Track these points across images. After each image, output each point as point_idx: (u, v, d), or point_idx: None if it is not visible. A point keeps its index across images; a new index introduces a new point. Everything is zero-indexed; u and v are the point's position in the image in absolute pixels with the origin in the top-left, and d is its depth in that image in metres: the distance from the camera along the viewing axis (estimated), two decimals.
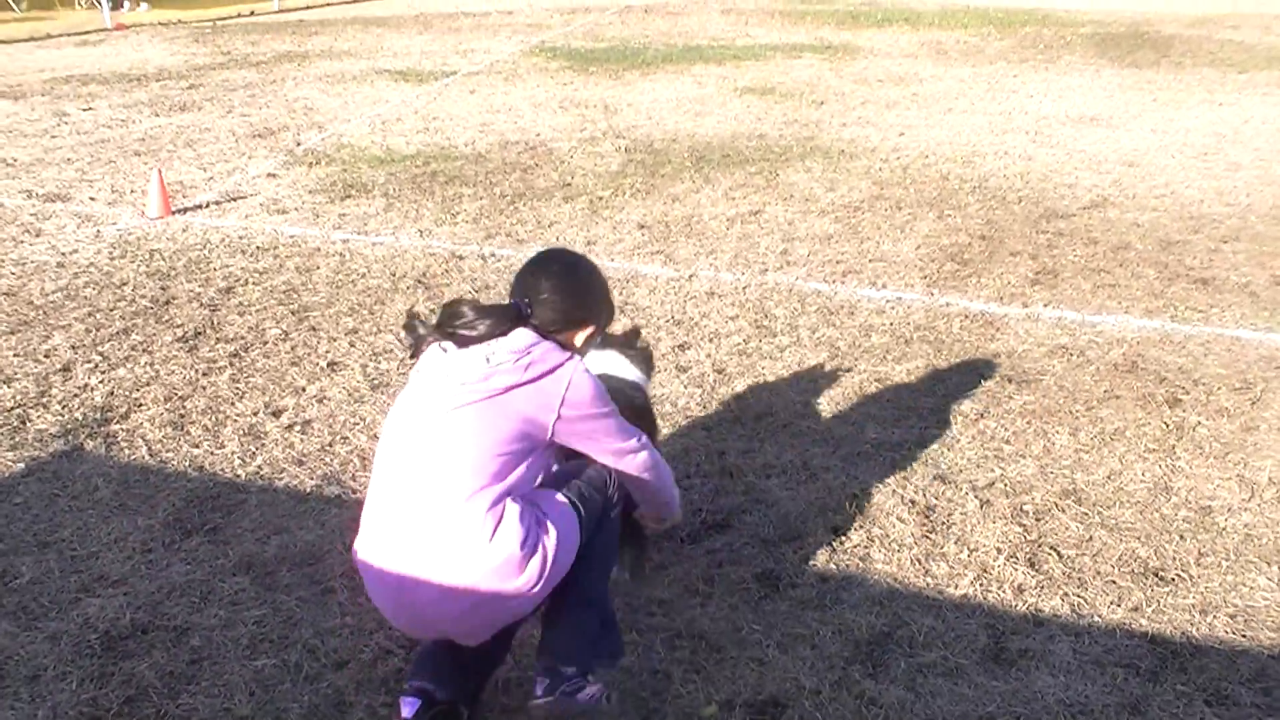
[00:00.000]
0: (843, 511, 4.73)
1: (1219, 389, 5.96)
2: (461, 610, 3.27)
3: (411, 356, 3.53)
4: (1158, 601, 4.17)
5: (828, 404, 5.73)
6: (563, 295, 3.49)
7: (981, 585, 4.26)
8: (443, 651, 3.49)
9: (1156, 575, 4.34)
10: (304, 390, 5.80)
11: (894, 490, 4.91)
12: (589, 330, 3.58)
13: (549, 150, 10.92)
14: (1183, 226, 8.70)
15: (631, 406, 3.98)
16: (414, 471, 3.31)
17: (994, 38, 19.71)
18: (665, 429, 5.37)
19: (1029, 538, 4.57)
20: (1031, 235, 8.46)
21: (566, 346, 3.49)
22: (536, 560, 3.27)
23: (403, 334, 3.54)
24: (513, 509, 3.26)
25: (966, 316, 6.93)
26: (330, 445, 5.24)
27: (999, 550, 4.47)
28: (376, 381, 5.89)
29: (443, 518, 3.24)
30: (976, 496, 4.87)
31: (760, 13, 22.99)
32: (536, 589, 3.30)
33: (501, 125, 11.99)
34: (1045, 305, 7.10)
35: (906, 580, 4.29)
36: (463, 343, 3.37)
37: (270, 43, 18.12)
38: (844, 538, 4.54)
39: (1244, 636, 3.99)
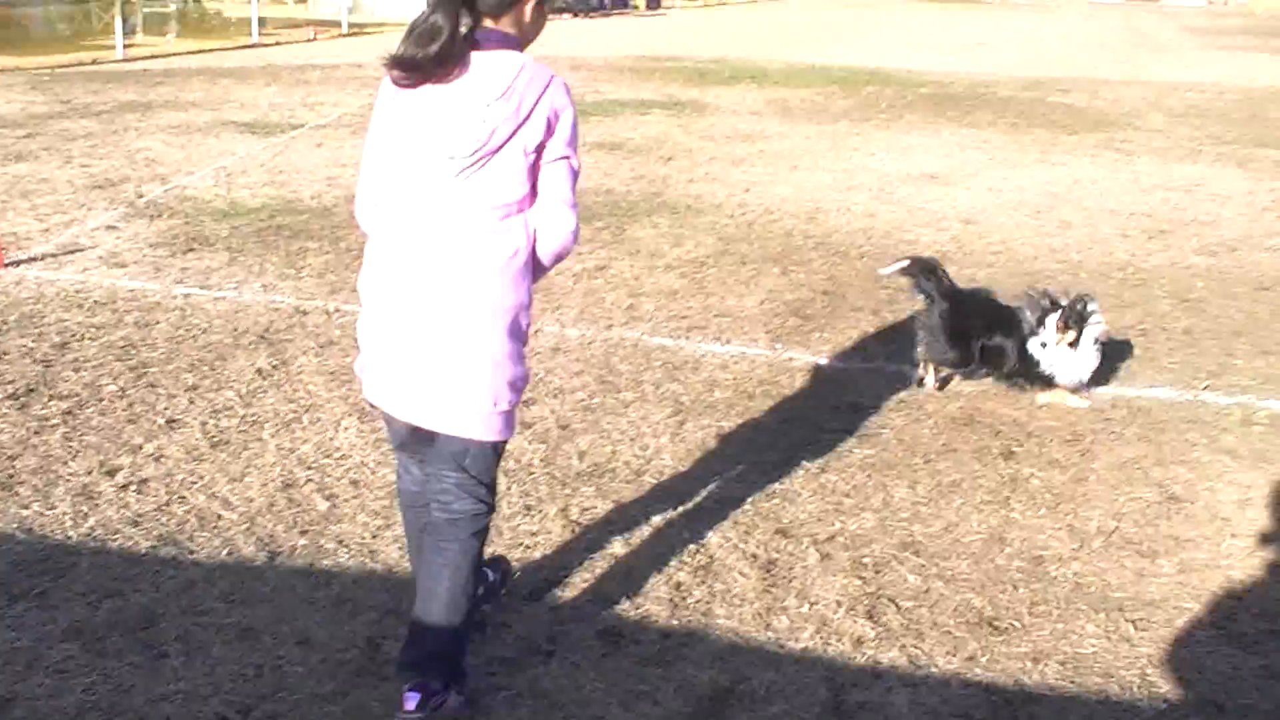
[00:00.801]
0: (685, 567, 4.75)
1: (1051, 441, 6.13)
2: (468, 333, 3.54)
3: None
4: (992, 651, 4.26)
5: (671, 459, 5.76)
6: None
7: (822, 638, 4.31)
8: (420, 638, 3.74)
9: (991, 625, 4.43)
10: (141, 448, 5.67)
11: (736, 545, 4.95)
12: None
13: None
14: (1018, 282, 8.92)
15: None
16: (424, 233, 3.52)
17: (838, 97, 20.11)
18: (508, 485, 5.36)
19: (868, 590, 4.64)
20: (873, 290, 8.63)
21: (518, 23, 3.54)
22: (522, 358, 3.71)
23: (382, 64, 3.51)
24: (524, 262, 3.59)
25: (809, 371, 7.04)
26: (167, 505, 5.13)
27: (839, 603, 4.53)
28: (216, 439, 5.78)
29: (470, 268, 3.51)
30: (817, 550, 4.93)
31: (610, 69, 23.20)
32: (513, 366, 3.65)
33: (348, 179, 11.90)
34: (886, 360, 7.24)
35: (748, 635, 4.32)
36: (441, 79, 3.42)
37: (113, 92, 17.78)
38: (686, 593, 4.57)
39: (1073, 683, 4.09)
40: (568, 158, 3.55)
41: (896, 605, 4.55)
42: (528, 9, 3.55)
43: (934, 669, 4.15)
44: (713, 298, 8.35)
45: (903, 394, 6.69)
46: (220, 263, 8.79)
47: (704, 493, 5.42)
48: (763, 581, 4.67)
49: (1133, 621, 4.48)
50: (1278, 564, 4.95)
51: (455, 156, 3.44)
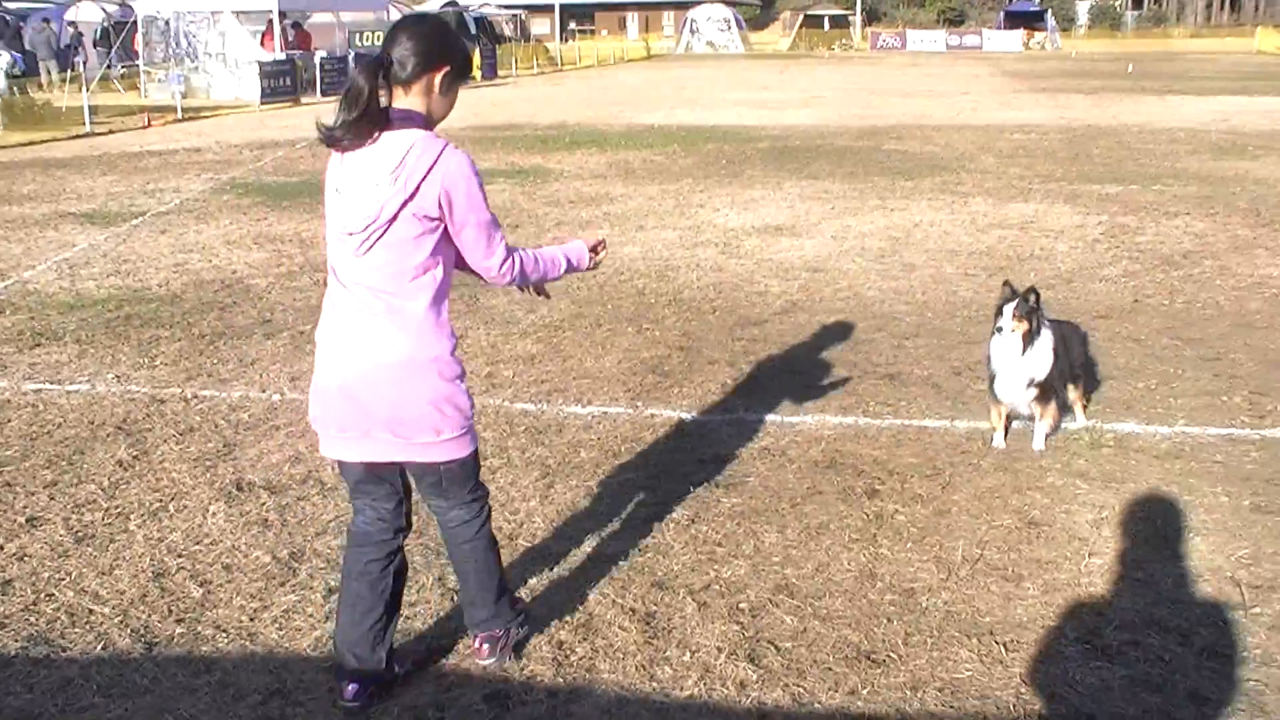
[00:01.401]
0: (566, 626, 4.79)
1: (912, 477, 6.29)
2: (395, 382, 3.98)
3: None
4: (872, 683, 4.37)
5: (543, 521, 5.80)
6: (416, 41, 3.94)
7: (706, 685, 4.38)
8: (355, 646, 4.26)
9: (869, 658, 4.54)
10: (2, 549, 5.55)
11: (614, 600, 5.00)
12: (445, 69, 3.99)
13: (246, 287, 10.78)
14: (868, 326, 9.17)
15: None
16: (357, 291, 3.97)
17: (679, 155, 20.42)
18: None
19: (747, 634, 4.73)
20: (728, 343, 8.78)
21: (428, 95, 3.98)
22: (459, 385, 4.09)
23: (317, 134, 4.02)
24: (440, 320, 4.03)
25: (671, 426, 7.13)
26: (35, 604, 5.02)
27: (719, 649, 4.61)
28: (81, 534, 5.68)
29: (385, 322, 3.95)
30: (694, 599, 5.01)
31: (452, 141, 23.21)
32: (450, 402, 4.06)
33: (196, 264, 11.78)
34: (745, 410, 7.36)
35: (633, 687, 4.38)
36: (347, 149, 3.91)
37: None
38: (569, 651, 4.61)
39: (951, 708, 4.21)
40: (474, 223, 3.98)
41: (776, 647, 4.64)
42: (437, 79, 3.98)
43: (817, 705, 4.25)
44: (571, 360, 8.43)
45: (765, 442, 6.81)
46: (70, 356, 8.64)
47: (578, 552, 5.46)
48: (643, 634, 4.73)
49: (1004, 644, 4.62)
50: (1134, 578, 5.15)
51: (353, 232, 3.90)
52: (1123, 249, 12.06)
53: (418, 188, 3.84)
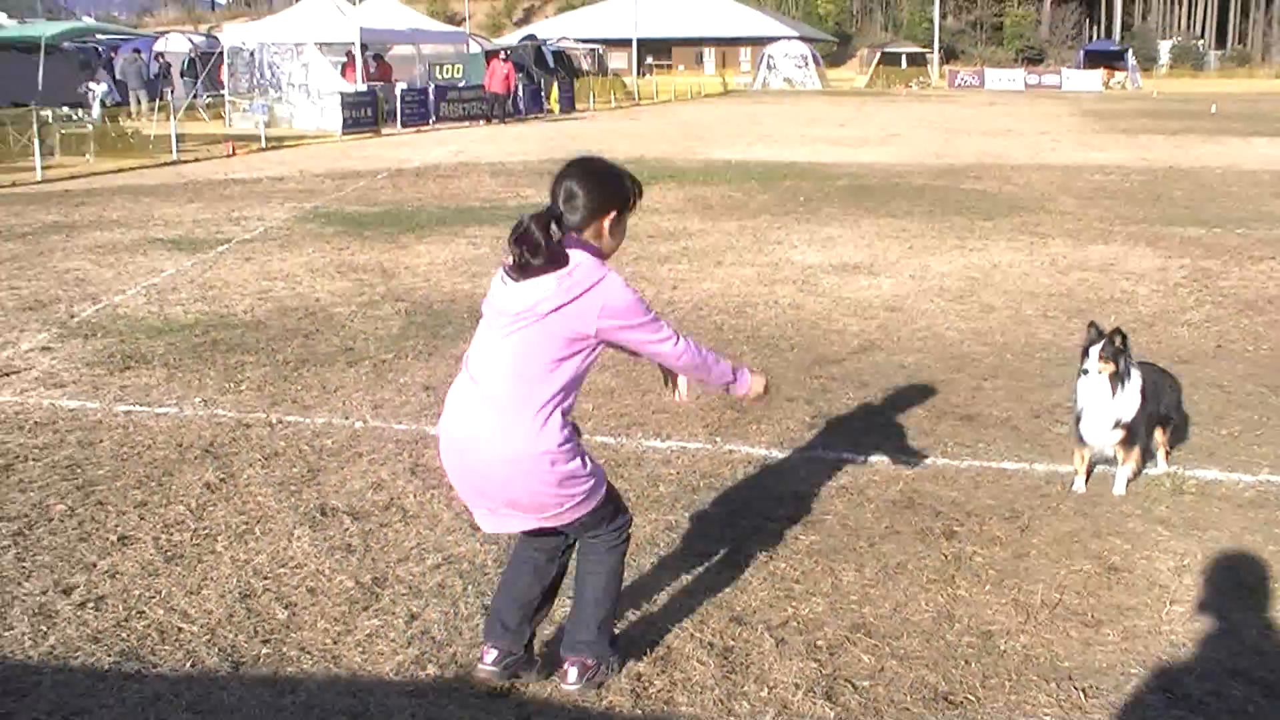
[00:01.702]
0: (644, 659, 4.83)
1: (990, 519, 6.28)
2: (507, 480, 4.29)
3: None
4: None
5: None
6: (582, 191, 4.33)
7: None
8: (503, 613, 4.61)
9: (946, 699, 4.55)
10: (95, 566, 5.68)
11: (692, 634, 5.04)
12: (613, 214, 4.38)
13: (329, 315, 10.95)
14: (945, 366, 9.16)
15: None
16: (479, 375, 4.35)
17: (757, 192, 20.49)
18: (464, 587, 5.43)
19: (824, 672, 4.75)
20: (806, 381, 8.81)
21: (599, 235, 4.36)
22: (572, 466, 4.33)
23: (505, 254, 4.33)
24: (555, 416, 4.29)
25: (749, 462, 7.17)
26: (126, 620, 5.14)
27: (797, 686, 4.63)
28: (170, 553, 5.80)
29: (498, 406, 4.27)
30: (771, 635, 5.03)
31: (529, 173, 23.45)
32: (566, 489, 4.33)
33: (280, 292, 11.98)
34: (823, 448, 7.39)
35: None
36: (520, 277, 4.24)
37: (35, 214, 17.74)
38: (647, 683, 4.65)
39: None
40: (638, 325, 4.34)
41: (853, 685, 4.65)
42: (606, 224, 4.38)
43: None
44: (650, 395, 8.48)
45: (843, 481, 6.83)
46: (159, 379, 8.82)
47: (656, 585, 5.50)
48: (721, 669, 4.77)
49: (1083, 690, 4.61)
50: (1217, 628, 5.12)
51: (505, 313, 4.29)
52: (1206, 293, 11.97)
53: (576, 298, 4.18)
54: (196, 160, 26.03)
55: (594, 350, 4.37)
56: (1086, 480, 6.72)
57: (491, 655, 4.58)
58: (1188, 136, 34.22)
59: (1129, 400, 6.40)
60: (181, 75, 45.80)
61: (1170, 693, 4.60)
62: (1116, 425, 6.42)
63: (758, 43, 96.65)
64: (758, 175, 23.09)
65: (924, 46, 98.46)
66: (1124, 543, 5.99)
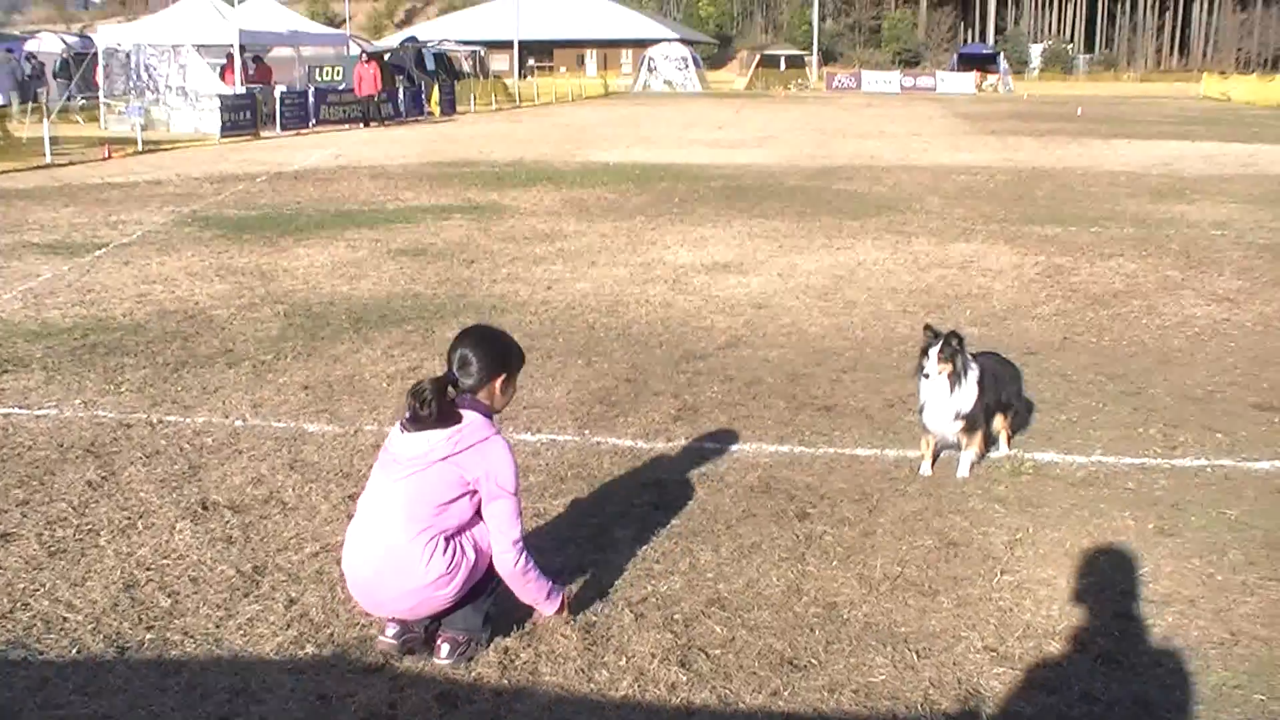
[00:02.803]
0: (511, 634, 5.14)
1: (842, 501, 6.69)
2: (410, 605, 4.83)
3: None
4: (793, 686, 4.75)
5: None
6: (477, 358, 4.94)
7: (639, 686, 4.74)
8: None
9: (791, 664, 4.91)
10: None
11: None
12: (503, 377, 5.01)
13: (208, 318, 11.10)
14: (807, 361, 9.58)
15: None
16: (376, 520, 4.84)
17: (633, 194, 20.87)
18: (339, 572, 5.69)
19: (679, 642, 5.09)
20: (673, 375, 9.17)
21: (490, 396, 4.98)
22: (459, 577, 4.81)
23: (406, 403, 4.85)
24: (441, 545, 4.75)
25: (616, 453, 7.50)
26: (11, 612, 5.32)
27: (653, 655, 4.97)
28: (54, 548, 5.98)
29: (395, 552, 4.75)
30: (631, 610, 5.37)
31: (409, 176, 23.62)
32: (457, 593, 4.83)
33: (159, 295, 12.09)
34: (687, 438, 7.75)
35: (572, 688, 4.73)
36: (415, 428, 4.78)
37: None
38: (514, 656, 4.96)
39: (865, 708, 4.59)
40: (505, 498, 4.85)
41: (706, 654, 5.00)
42: (497, 385, 5.01)
43: (741, 705, 4.62)
44: (521, 391, 8.69)
45: (704, 469, 7.19)
46: (38, 382, 8.94)
47: None
48: (583, 642, 5.09)
49: (916, 651, 5.01)
50: (1040, 594, 5.55)
51: (400, 461, 4.80)
52: (1057, 288, 12.55)
53: (463, 450, 4.74)
54: (71, 164, 25.80)
55: (470, 500, 4.85)
56: (933, 464, 7.15)
57: (393, 630, 4.94)
58: (1054, 138, 35.26)
59: (967, 394, 6.84)
60: (54, 76, 45.18)
61: (995, 651, 5.01)
62: (957, 416, 6.87)
63: (639, 45, 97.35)
64: (635, 177, 23.48)
65: (803, 49, 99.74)
66: (963, 520, 6.41)
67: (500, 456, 4.84)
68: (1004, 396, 7.29)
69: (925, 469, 7.14)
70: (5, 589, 5.57)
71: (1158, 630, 5.23)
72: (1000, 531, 6.27)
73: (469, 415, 4.82)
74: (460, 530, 4.86)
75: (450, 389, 4.84)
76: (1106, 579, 5.72)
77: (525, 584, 5.00)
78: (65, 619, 5.27)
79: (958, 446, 7.11)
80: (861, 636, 5.16)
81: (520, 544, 4.93)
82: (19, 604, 5.43)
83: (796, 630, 5.21)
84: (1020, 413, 7.75)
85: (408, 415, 4.81)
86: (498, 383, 4.99)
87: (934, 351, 6.77)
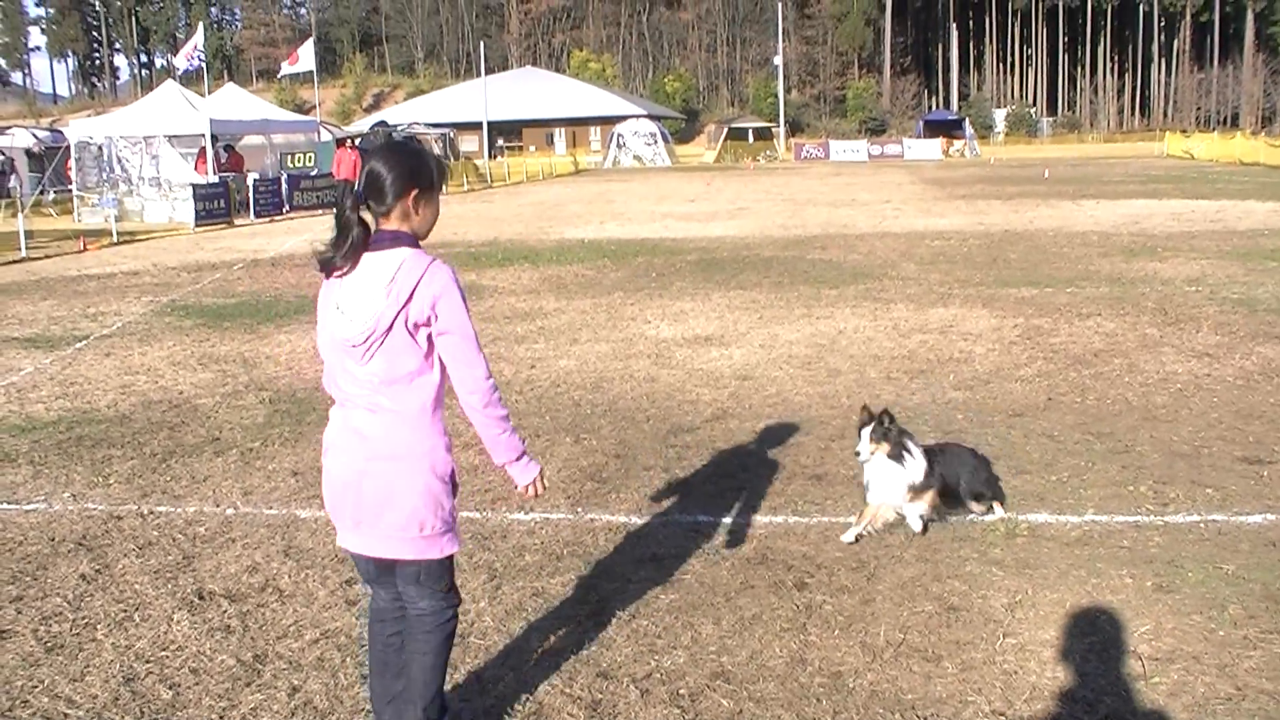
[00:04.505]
0: (516, 714, 5.12)
1: (839, 569, 6.69)
2: (391, 478, 4.41)
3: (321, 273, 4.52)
4: None
5: (492, 620, 6.14)
6: (383, 172, 4.40)
7: None
8: (376, 704, 4.76)
9: None
10: None
11: (561, 690, 5.34)
12: (415, 191, 4.44)
13: (193, 407, 11.08)
14: (795, 430, 9.61)
15: None
16: (361, 399, 4.45)
17: (610, 269, 20.96)
18: (343, 659, 5.67)
19: (687, 717, 5.08)
20: (662, 450, 9.18)
21: (406, 217, 4.44)
22: (446, 474, 4.51)
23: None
24: (431, 417, 4.45)
25: (610, 529, 7.50)
26: (10, 710, 5.28)
27: None
28: (50, 644, 5.94)
29: (386, 421, 4.41)
30: (636, 686, 5.35)
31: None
32: (438, 498, 4.48)
33: (142, 385, 12.07)
34: (680, 512, 7.75)
35: None
36: (347, 267, 4.39)
37: None
38: None
39: None
40: (463, 332, 4.39)
41: None
42: (410, 202, 4.44)
43: None
44: None
45: (699, 541, 7.19)
46: (25, 476, 8.90)
47: (526, 647, 5.80)
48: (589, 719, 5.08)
49: (923, 718, 5.00)
50: (1044, 655, 5.56)
51: (356, 344, 4.38)
52: (1038, 349, 12.62)
53: (409, 299, 4.29)
54: (47, 257, 25.80)
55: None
56: (858, 532, 7.14)
57: None
58: (1023, 201, 35.58)
59: (915, 468, 7.01)
60: (27, 170, 45.32)
61: (1003, 715, 5.01)
62: (910, 489, 7.05)
63: (607, 121, 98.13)
64: (610, 253, 23.58)
65: (770, 121, 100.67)
66: (962, 584, 6.42)
67: (446, 281, 4.35)
68: (979, 485, 7.40)
69: (849, 536, 7.13)
70: (4, 686, 5.53)
71: (1163, 688, 5.23)
72: (999, 594, 6.28)
73: (400, 253, 4.38)
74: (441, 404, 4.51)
75: (363, 210, 4.39)
76: (1109, 638, 5.73)
77: (500, 432, 4.55)
78: (66, 715, 5.23)
79: (903, 516, 7.21)
80: (868, 705, 5.15)
81: (492, 380, 4.50)
82: (18, 701, 5.39)
83: (803, 701, 5.20)
84: (1002, 499, 7.63)
85: (336, 261, 4.41)
86: (410, 198, 4.42)
87: (866, 433, 6.98)
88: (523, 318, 15.93)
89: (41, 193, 41.35)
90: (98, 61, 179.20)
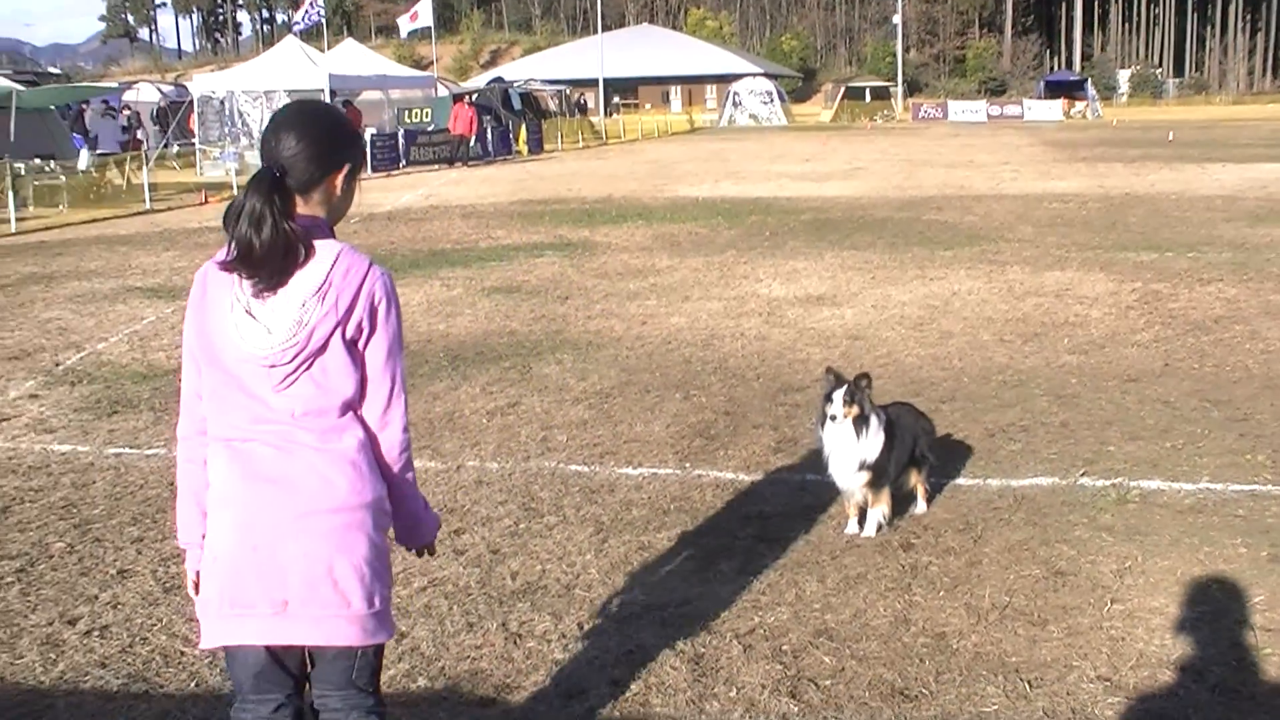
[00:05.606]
0: (620, 666, 5.17)
1: (945, 531, 6.65)
2: (323, 537, 3.32)
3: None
4: (905, 716, 4.73)
5: (598, 573, 6.19)
6: (306, 144, 3.39)
7: (750, 718, 4.75)
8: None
9: (902, 694, 4.90)
10: (97, 598, 5.99)
11: (665, 643, 5.37)
12: (346, 169, 3.51)
13: None
14: (905, 391, 9.53)
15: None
16: (278, 436, 3.35)
17: (723, 228, 20.91)
18: (450, 606, 5.76)
19: (789, 673, 5.09)
20: (771, 408, 9.18)
21: (328, 199, 3.48)
22: (383, 540, 3.44)
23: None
24: (370, 459, 3.40)
25: (718, 485, 7.52)
26: (131, 646, 5.45)
27: (763, 686, 4.97)
28: (168, 584, 6.10)
29: (317, 461, 3.34)
30: (739, 642, 5.38)
31: (500, 215, 23.83)
32: (377, 566, 3.39)
33: None
34: (788, 471, 7.75)
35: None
36: (269, 287, 3.30)
37: (12, 265, 18.02)
38: (624, 688, 4.99)
39: None
40: (392, 365, 3.44)
41: (816, 684, 5.00)
42: (338, 181, 3.50)
43: None
44: (621, 425, 8.83)
45: (806, 500, 7.19)
46: (146, 422, 9.12)
47: (631, 600, 5.85)
48: (693, 673, 5.11)
49: (1028, 681, 4.97)
50: (1153, 623, 5.48)
51: (276, 364, 3.32)
52: (1155, 315, 12.40)
53: (350, 306, 3.34)
54: (170, 209, 26.34)
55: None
56: (859, 523, 6.76)
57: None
58: (1145, 164, 34.85)
59: (873, 442, 6.46)
60: (152, 124, 46.23)
61: (1109, 680, 4.96)
62: (862, 466, 6.46)
63: (723, 80, 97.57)
64: (724, 212, 23.53)
65: (888, 80, 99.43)
66: (1070, 549, 6.35)
67: (388, 290, 3.44)
68: (918, 451, 6.94)
69: (850, 528, 6.75)
70: (124, 624, 5.70)
71: (1276, 659, 5.14)
72: (1108, 560, 6.20)
73: (327, 246, 3.37)
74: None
75: (278, 197, 3.29)
76: (1220, 608, 5.64)
77: (412, 485, 3.62)
78: (183, 653, 5.38)
79: (864, 504, 6.68)
80: (972, 666, 5.13)
81: (406, 419, 3.51)
82: (138, 638, 5.54)
83: (906, 660, 5.19)
84: (934, 467, 7.26)
85: (239, 253, 3.27)
86: (339, 177, 3.49)
87: (839, 395, 6.37)
88: (635, 274, 15.96)
89: (165, 146, 42.11)
90: (221, 18, 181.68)
